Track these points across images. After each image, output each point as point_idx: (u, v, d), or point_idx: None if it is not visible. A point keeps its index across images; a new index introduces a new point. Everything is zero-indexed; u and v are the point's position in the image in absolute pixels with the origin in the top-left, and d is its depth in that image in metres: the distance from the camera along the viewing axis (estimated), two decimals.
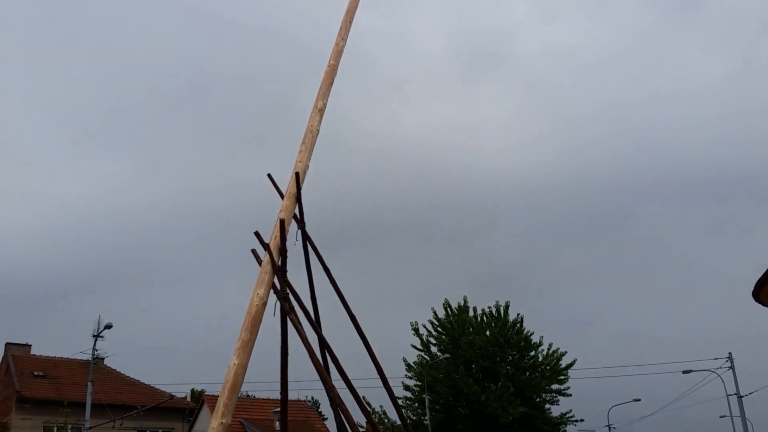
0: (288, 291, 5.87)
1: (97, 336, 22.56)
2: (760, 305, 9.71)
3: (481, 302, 28.24)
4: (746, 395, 27.39)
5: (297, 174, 6.67)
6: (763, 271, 9.08)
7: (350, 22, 8.69)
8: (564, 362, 26.92)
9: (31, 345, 28.78)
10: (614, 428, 38.59)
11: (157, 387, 27.87)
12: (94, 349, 22.88)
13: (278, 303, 5.79)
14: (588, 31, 60.08)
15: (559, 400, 27.11)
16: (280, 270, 5.94)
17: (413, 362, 27.44)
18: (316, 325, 6.20)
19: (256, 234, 6.28)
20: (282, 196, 6.62)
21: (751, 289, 9.19)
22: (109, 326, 22.35)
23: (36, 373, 26.44)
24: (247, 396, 30.27)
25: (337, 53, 8.25)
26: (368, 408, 9.12)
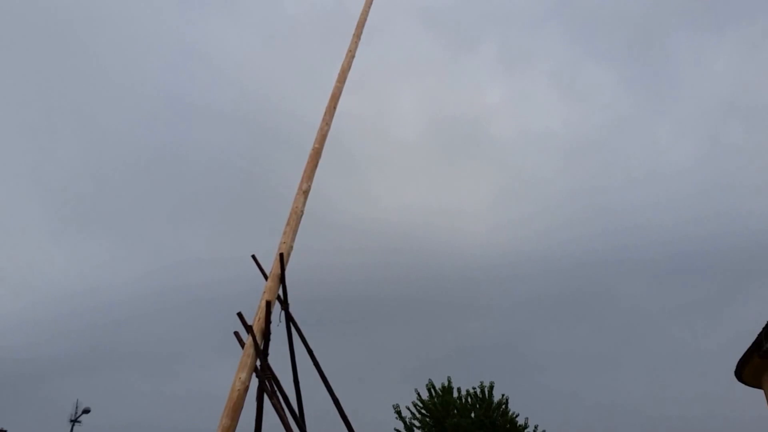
0: (270, 374, 5.79)
1: (74, 421, 21.67)
2: (742, 384, 9.71)
3: (464, 381, 27.65)
4: None
5: (281, 255, 6.72)
6: (744, 350, 9.17)
7: (334, 107, 9.01)
8: None
9: (6, 430, 27.53)
10: None
11: None
12: None
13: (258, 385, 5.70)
14: (563, 116, 62.50)
15: None
16: (262, 353, 5.88)
17: None
18: (297, 410, 6.08)
19: (239, 315, 6.25)
20: (266, 277, 6.64)
21: (733, 367, 9.23)
22: (87, 411, 21.54)
23: None
24: None
25: (322, 137, 8.50)
26: None
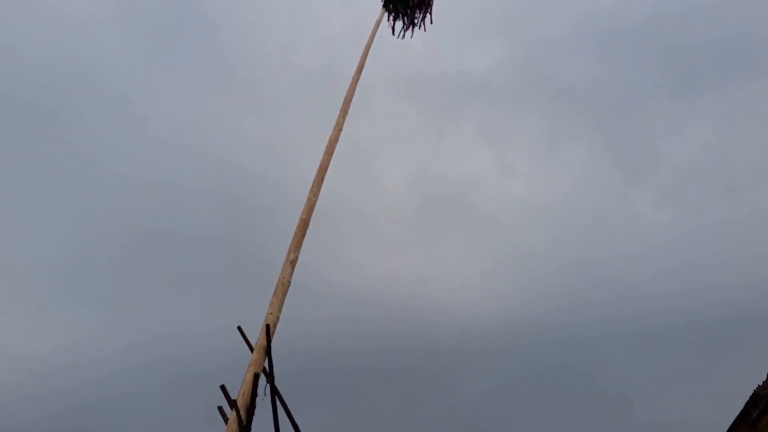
0: None
1: None
2: None
3: None
4: None
5: (267, 326, 6.69)
6: (732, 419, 9.13)
7: (322, 179, 9.21)
8: None
9: None
10: None
11: None
12: None
13: None
14: (546, 189, 63.76)
15: None
16: (246, 429, 5.77)
17: None
18: None
19: (222, 389, 6.15)
20: (252, 349, 6.59)
21: None
22: None
23: None
24: None
25: (309, 207, 8.64)
26: None
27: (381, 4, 13.17)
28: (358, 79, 10.63)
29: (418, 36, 13.77)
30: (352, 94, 10.23)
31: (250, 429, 5.82)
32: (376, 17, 12.44)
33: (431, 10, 13.60)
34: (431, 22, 13.61)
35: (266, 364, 6.50)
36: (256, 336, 6.78)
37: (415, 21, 13.47)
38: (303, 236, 8.22)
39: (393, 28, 13.56)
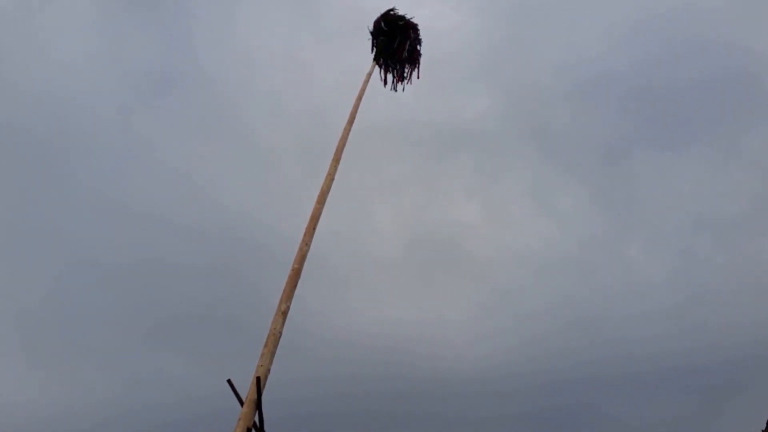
0: None
1: None
2: None
3: None
4: None
5: (258, 379, 6.59)
6: None
7: (314, 228, 9.22)
8: None
9: None
10: None
11: None
12: None
13: None
14: (539, 233, 64.11)
15: None
16: None
17: None
18: None
19: None
20: (241, 402, 6.47)
21: None
22: None
23: None
24: None
25: (301, 257, 8.61)
26: None
27: (372, 57, 13.56)
28: (350, 130, 10.81)
29: (407, 87, 14.17)
30: (344, 144, 10.38)
31: None
32: (367, 70, 12.77)
33: (419, 65, 14.06)
34: (418, 77, 14.07)
35: (256, 418, 6.37)
36: (246, 388, 6.66)
37: (405, 75, 13.90)
38: (295, 286, 8.16)
39: (384, 81, 13.94)
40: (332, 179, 9.88)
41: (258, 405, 6.40)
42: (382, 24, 13.69)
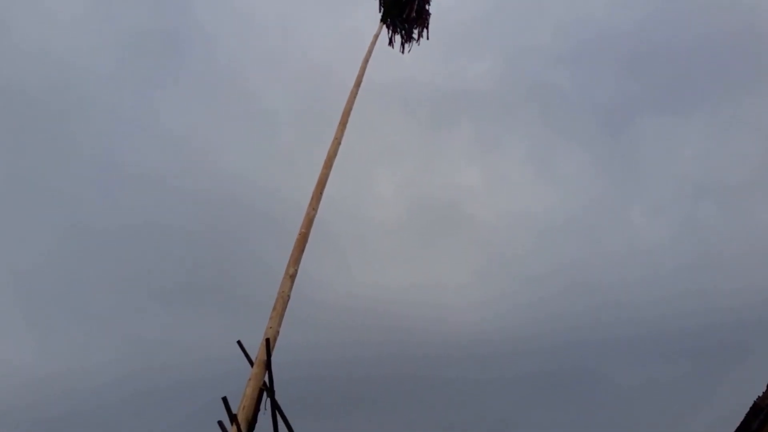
0: None
1: None
2: None
3: None
4: None
5: (267, 340, 6.69)
6: (733, 429, 9.10)
7: (321, 193, 9.23)
8: None
9: None
10: None
11: None
12: None
13: None
14: (540, 197, 63.92)
15: None
16: None
17: None
18: None
19: (224, 401, 6.13)
20: (252, 363, 6.57)
21: None
22: None
23: None
24: None
25: (308, 222, 8.65)
26: None
27: (379, 18, 13.28)
28: (356, 93, 10.69)
29: (411, 48, 13.88)
30: (351, 108, 10.28)
31: None
32: (374, 31, 12.53)
33: (428, 24, 13.74)
34: (427, 38, 13.77)
35: (266, 378, 6.48)
36: (255, 349, 6.77)
37: (413, 35, 13.61)
38: (302, 250, 8.22)
39: (392, 41, 13.67)
40: (339, 143, 9.83)
41: (268, 366, 6.51)
42: None
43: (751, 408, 8.75)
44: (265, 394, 6.38)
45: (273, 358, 6.61)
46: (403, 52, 13.66)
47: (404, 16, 13.33)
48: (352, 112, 10.47)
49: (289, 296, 7.49)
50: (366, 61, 11.35)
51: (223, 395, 6.23)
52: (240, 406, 6.05)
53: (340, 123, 10.11)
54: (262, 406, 6.21)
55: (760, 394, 8.69)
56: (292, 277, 7.71)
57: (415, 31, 13.60)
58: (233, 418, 5.86)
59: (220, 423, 6.08)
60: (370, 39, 12.03)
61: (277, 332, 6.97)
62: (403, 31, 13.53)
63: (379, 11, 13.39)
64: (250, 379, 6.37)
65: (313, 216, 8.71)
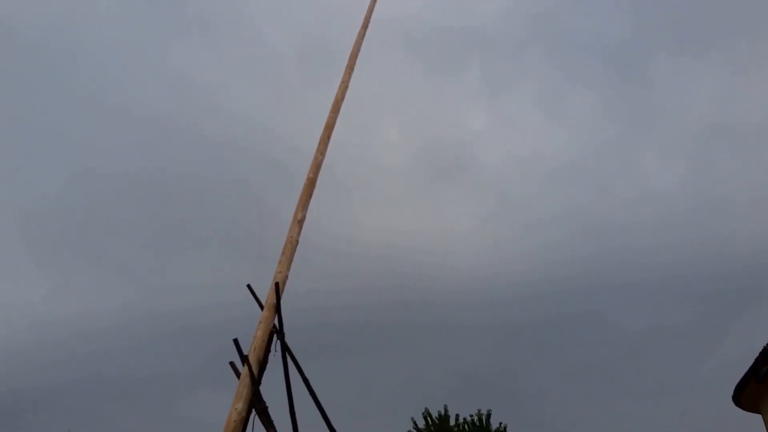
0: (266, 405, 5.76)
1: None
2: (740, 409, 9.69)
3: (461, 409, 27.33)
4: None
5: (277, 284, 6.72)
6: (742, 374, 9.17)
7: (328, 138, 9.10)
8: None
9: None
10: None
11: None
12: None
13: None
14: (549, 140, 62.95)
15: None
16: (257, 383, 5.85)
17: None
18: None
19: (235, 342, 6.22)
20: (261, 306, 6.63)
21: (731, 392, 9.22)
22: None
23: None
24: None
25: (316, 166, 8.57)
26: None
27: None
28: (364, 35, 10.39)
29: None
30: (359, 50, 10.01)
31: (260, 382, 5.91)
32: None
33: None
34: None
35: (276, 321, 6.55)
36: (265, 294, 6.82)
37: None
38: (310, 195, 8.18)
39: None
40: (346, 87, 9.62)
41: (277, 309, 6.56)
42: None
43: (760, 353, 8.79)
44: (275, 336, 6.45)
45: (282, 303, 6.67)
46: None
47: None
48: (360, 55, 10.21)
49: (297, 241, 7.50)
50: (374, 1, 10.99)
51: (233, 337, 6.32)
52: (251, 348, 6.14)
53: (347, 66, 9.87)
54: (272, 348, 6.29)
55: None
56: (300, 222, 7.70)
57: None
58: (244, 359, 5.94)
59: (232, 363, 6.18)
60: None
61: (286, 276, 7.00)
62: None
63: None
64: (260, 322, 6.44)
65: (321, 161, 8.62)
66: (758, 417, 10.29)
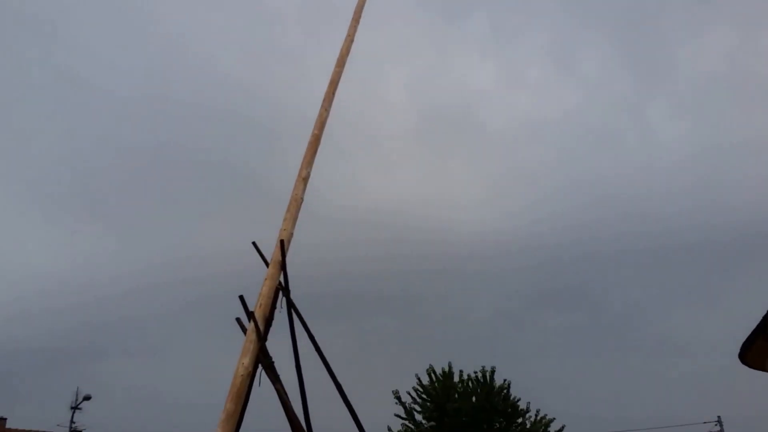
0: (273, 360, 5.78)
1: (75, 408, 21.85)
2: (746, 367, 9.71)
3: (465, 367, 27.65)
4: None
5: (282, 242, 6.67)
6: (747, 333, 9.15)
7: (333, 93, 8.92)
8: (552, 429, 26.32)
9: (6, 419, 27.65)
10: None
11: None
12: (71, 421, 22.12)
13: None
14: (556, 99, 61.98)
15: None
16: (263, 339, 5.86)
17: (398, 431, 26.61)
18: (300, 396, 6.05)
19: (241, 299, 6.20)
20: (267, 264, 6.60)
21: (737, 351, 9.22)
22: (87, 398, 21.71)
23: None
24: None
25: (321, 123, 8.41)
26: None
27: None
28: None
29: None
30: (364, 2, 9.73)
31: (267, 338, 5.91)
32: None
33: None
34: None
35: (282, 279, 6.52)
36: (270, 252, 6.78)
37: None
38: (315, 152, 8.05)
39: None
40: (352, 41, 9.39)
41: (283, 266, 6.52)
42: None
43: None
44: (281, 293, 6.43)
45: (287, 261, 6.62)
46: None
47: None
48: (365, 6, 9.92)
49: (302, 198, 7.41)
50: None
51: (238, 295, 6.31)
52: (257, 305, 6.12)
53: (353, 19, 9.61)
54: (278, 305, 6.28)
55: None
56: (305, 179, 7.59)
57: None
58: (250, 315, 5.94)
59: (238, 320, 6.19)
60: None
61: (291, 234, 6.95)
62: None
63: None
64: (266, 279, 6.41)
65: (326, 117, 8.47)
66: (765, 375, 10.30)
